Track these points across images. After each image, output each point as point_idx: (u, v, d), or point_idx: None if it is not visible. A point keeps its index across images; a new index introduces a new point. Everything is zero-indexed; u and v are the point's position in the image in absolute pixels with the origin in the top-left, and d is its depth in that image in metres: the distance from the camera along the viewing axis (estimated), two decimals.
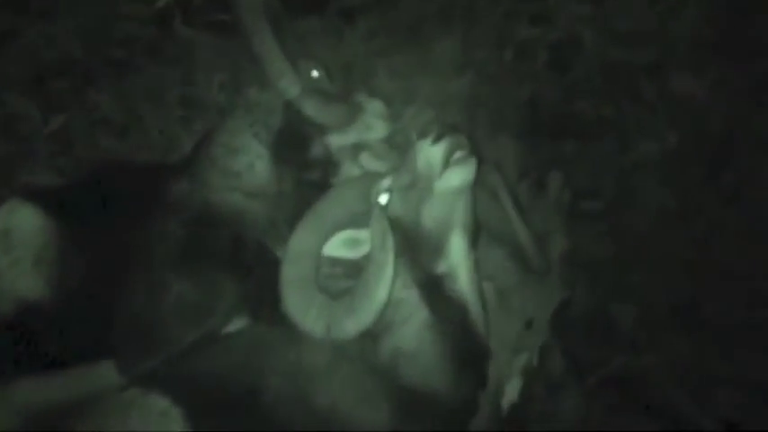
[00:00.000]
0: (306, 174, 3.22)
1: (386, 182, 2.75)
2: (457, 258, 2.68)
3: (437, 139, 2.58)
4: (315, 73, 3.28)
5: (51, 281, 2.92)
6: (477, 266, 2.73)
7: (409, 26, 4.30)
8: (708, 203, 3.53)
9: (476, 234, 2.73)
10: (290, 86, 3.01)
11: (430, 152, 2.59)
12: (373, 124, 3.37)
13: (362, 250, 2.82)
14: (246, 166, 3.15)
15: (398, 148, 3.62)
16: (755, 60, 3.84)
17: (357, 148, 3.46)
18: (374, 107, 3.38)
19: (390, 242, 2.58)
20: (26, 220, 2.99)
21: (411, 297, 2.71)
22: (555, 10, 4.30)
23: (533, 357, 2.91)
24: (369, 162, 3.41)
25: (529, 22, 4.34)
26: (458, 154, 2.57)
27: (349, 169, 3.38)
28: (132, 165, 3.62)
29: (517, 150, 3.66)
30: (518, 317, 2.94)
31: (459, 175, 2.56)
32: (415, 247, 2.69)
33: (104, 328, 2.90)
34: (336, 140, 3.35)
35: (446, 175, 2.56)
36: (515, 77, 4.17)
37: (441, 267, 2.68)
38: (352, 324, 2.59)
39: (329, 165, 3.30)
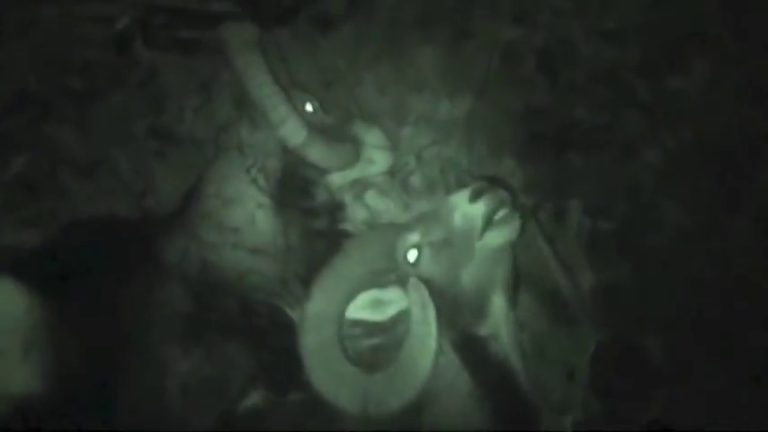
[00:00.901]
0: (312, 222, 2.95)
1: (413, 237, 2.52)
2: (499, 317, 2.49)
3: (476, 197, 2.35)
4: (309, 107, 3.00)
5: (45, 371, 2.59)
6: (518, 322, 2.52)
7: (387, 34, 4.01)
8: (720, 216, 3.38)
9: (517, 289, 2.53)
10: (293, 133, 2.73)
11: (469, 210, 2.38)
12: (374, 157, 3.13)
13: (389, 312, 2.58)
14: (246, 218, 2.87)
15: (400, 177, 3.38)
16: (751, 56, 3.68)
17: (359, 184, 3.20)
18: (373, 138, 3.14)
19: (432, 313, 2.38)
20: (8, 301, 2.65)
21: (450, 362, 2.49)
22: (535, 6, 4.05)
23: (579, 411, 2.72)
24: (375, 201, 3.17)
25: (512, 21, 4.09)
26: (501, 213, 2.35)
27: (355, 211, 3.12)
28: (115, 220, 3.26)
29: (523, 172, 3.44)
30: (557, 366, 2.74)
31: (502, 237, 2.37)
32: (452, 308, 2.48)
33: (108, 416, 2.59)
34: (336, 179, 3.09)
35: (487, 236, 2.35)
36: (505, 86, 3.95)
37: (483, 329, 2.48)
38: (396, 401, 2.40)
39: (336, 210, 3.04)
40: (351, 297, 2.58)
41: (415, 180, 3.45)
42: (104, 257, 2.82)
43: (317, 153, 2.80)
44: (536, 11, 4.03)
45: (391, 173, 3.32)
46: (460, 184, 2.86)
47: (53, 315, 2.67)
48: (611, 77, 3.83)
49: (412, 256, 2.51)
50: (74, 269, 2.80)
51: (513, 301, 2.51)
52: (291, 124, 2.74)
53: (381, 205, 3.15)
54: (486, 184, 2.41)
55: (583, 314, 2.75)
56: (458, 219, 2.40)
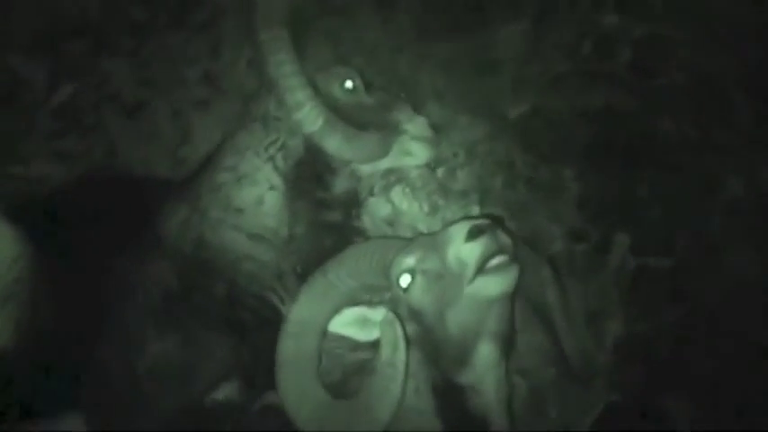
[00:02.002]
0: (323, 214, 2.72)
1: (409, 260, 2.27)
2: (483, 369, 2.23)
3: (473, 236, 2.06)
4: (349, 83, 2.75)
5: (20, 324, 2.52)
6: (509, 377, 2.25)
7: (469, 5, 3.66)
8: None
9: (511, 342, 2.26)
10: (308, 119, 2.50)
11: (462, 250, 2.10)
12: (413, 149, 2.85)
13: (374, 333, 2.35)
14: (255, 199, 2.69)
15: (444, 170, 3.09)
16: None
17: (391, 175, 2.94)
18: (415, 127, 2.85)
19: (402, 356, 2.16)
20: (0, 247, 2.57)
21: (424, 406, 2.27)
22: None
23: None
24: (401, 199, 2.92)
25: (615, 9, 3.65)
26: (496, 260, 2.07)
27: (376, 206, 2.88)
28: (130, 178, 3.15)
29: (579, 184, 3.07)
30: (554, 425, 2.45)
31: (494, 286, 2.08)
32: (436, 348, 2.23)
33: (75, 382, 2.51)
34: (367, 168, 2.83)
35: (478, 282, 2.08)
36: (589, 79, 3.54)
37: (464, 377, 2.23)
38: None
39: (352, 203, 2.80)
40: (337, 309, 2.40)
41: (458, 178, 3.15)
42: (105, 218, 2.70)
43: (333, 143, 2.56)
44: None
45: (432, 166, 3.04)
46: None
47: (38, 269, 2.57)
48: (710, 89, 3.36)
49: (405, 281, 2.27)
50: (72, 224, 2.69)
51: (505, 354, 2.22)
52: (307, 110, 2.50)
53: (406, 204, 2.88)
54: (488, 224, 2.10)
55: (583, 375, 2.43)
56: (451, 254, 2.12)
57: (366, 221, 2.89)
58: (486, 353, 2.20)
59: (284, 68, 2.48)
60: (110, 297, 2.61)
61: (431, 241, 2.26)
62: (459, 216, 2.90)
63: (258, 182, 2.70)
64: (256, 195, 2.69)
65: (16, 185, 3.18)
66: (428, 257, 2.22)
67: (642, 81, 3.46)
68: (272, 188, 2.70)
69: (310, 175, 2.71)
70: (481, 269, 2.08)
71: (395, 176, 2.99)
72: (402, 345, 2.15)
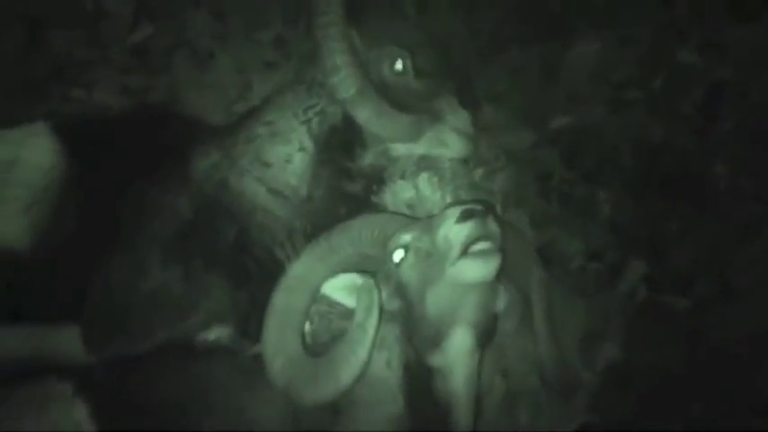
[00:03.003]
0: (345, 183, 2.76)
1: (405, 237, 2.29)
2: (455, 355, 2.22)
3: (464, 218, 2.07)
4: (399, 64, 2.77)
5: (38, 230, 2.66)
6: (482, 369, 2.24)
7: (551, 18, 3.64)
8: None
9: (489, 333, 2.24)
10: (342, 85, 2.54)
11: (451, 230, 2.11)
12: (449, 140, 2.85)
13: None
14: (283, 157, 2.76)
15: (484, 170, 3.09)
16: None
17: (423, 162, 2.95)
18: (457, 120, 2.84)
19: (374, 322, 2.19)
20: (39, 155, 2.74)
21: (391, 380, 2.28)
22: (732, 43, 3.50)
23: None
24: (426, 187, 2.93)
25: (696, 48, 3.58)
26: (480, 245, 2.07)
27: (402, 188, 2.90)
28: (179, 119, 3.26)
29: (612, 204, 3.02)
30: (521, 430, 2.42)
31: (474, 270, 2.08)
32: (414, 325, 2.24)
33: (77, 296, 2.62)
34: (401, 148, 2.85)
35: (460, 263, 2.08)
36: (653, 111, 3.48)
37: (435, 360, 2.23)
38: (310, 396, 2.26)
39: (376, 180, 2.83)
40: (334, 272, 2.43)
41: (496, 180, 3.15)
42: (144, 149, 2.82)
43: (363, 113, 2.60)
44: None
45: (469, 162, 3.04)
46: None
47: (68, 184, 2.70)
48: None
49: (398, 255, 2.29)
50: (114, 149, 2.81)
51: (480, 345, 2.21)
52: (343, 75, 2.54)
53: (429, 191, 2.89)
54: (481, 210, 2.09)
55: (556, 385, 2.39)
56: (441, 234, 2.13)
57: (387, 199, 2.91)
58: (459, 339, 2.19)
59: (329, 30, 2.52)
60: (127, 219, 2.69)
61: (426, 221, 2.27)
62: None
63: (290, 141, 2.76)
64: (286, 153, 2.75)
65: (75, 108, 3.32)
66: (423, 236, 2.23)
67: (707, 123, 3.38)
68: (301, 149, 2.75)
69: (341, 143, 2.75)
70: (465, 251, 2.07)
71: (427, 163, 2.98)
72: (376, 311, 2.18)
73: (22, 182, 2.69)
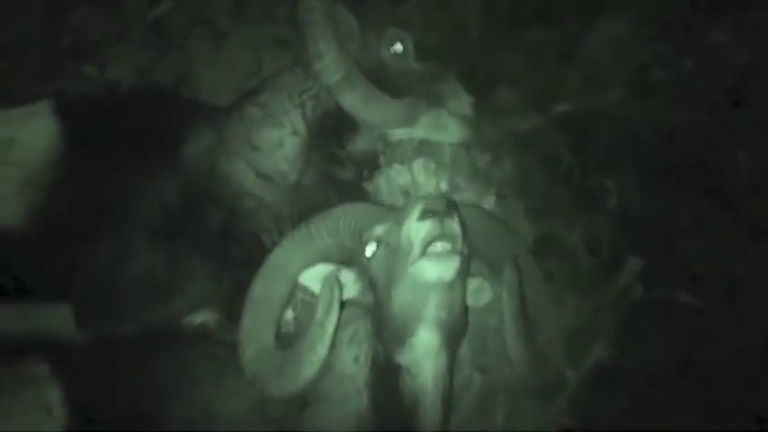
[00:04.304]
0: (335, 169, 2.72)
1: (379, 230, 2.24)
2: (422, 354, 2.17)
3: (421, 218, 2.00)
4: (398, 46, 2.70)
5: (31, 210, 2.70)
6: (452, 369, 2.18)
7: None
8: None
9: (457, 332, 2.18)
10: (326, 72, 2.48)
11: (411, 228, 2.04)
12: (449, 125, 2.77)
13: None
14: (274, 141, 2.72)
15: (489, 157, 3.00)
16: None
17: (423, 147, 2.88)
18: (457, 104, 2.77)
19: (333, 319, 2.16)
20: (37, 136, 2.77)
21: (358, 376, 2.24)
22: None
23: None
24: (420, 171, 2.85)
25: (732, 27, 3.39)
26: (437, 246, 2.00)
27: (397, 173, 2.84)
28: (178, 98, 3.24)
29: (620, 197, 2.89)
30: (494, 429, 2.36)
31: (431, 271, 2.02)
32: (381, 322, 2.20)
33: (68, 275, 2.66)
34: (400, 132, 2.80)
35: (419, 263, 2.02)
36: (677, 95, 3.31)
37: (402, 358, 2.18)
38: (275, 387, 2.25)
39: (368, 166, 2.77)
40: (310, 262, 2.39)
41: (501, 166, 3.05)
42: (140, 131, 2.81)
43: (349, 100, 2.55)
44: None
45: (468, 147, 2.95)
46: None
47: (64, 166, 2.73)
48: None
49: (370, 250, 2.24)
50: (110, 130, 2.82)
51: (447, 344, 2.15)
52: (327, 61, 2.49)
53: (423, 177, 2.82)
54: (442, 209, 2.02)
55: (523, 384, 2.31)
56: (404, 230, 2.07)
57: (382, 185, 2.84)
58: (425, 339, 2.14)
59: (312, 15, 2.47)
60: (117, 202, 2.71)
61: (399, 215, 2.21)
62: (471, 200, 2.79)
63: (283, 125, 2.72)
64: (277, 137, 2.72)
65: (86, 85, 3.35)
66: (393, 230, 2.17)
67: (733, 110, 3.21)
68: (294, 133, 2.72)
69: (332, 128, 2.69)
70: (424, 252, 2.00)
71: (425, 148, 2.90)
72: (335, 308, 2.14)
73: (18, 162, 2.72)
